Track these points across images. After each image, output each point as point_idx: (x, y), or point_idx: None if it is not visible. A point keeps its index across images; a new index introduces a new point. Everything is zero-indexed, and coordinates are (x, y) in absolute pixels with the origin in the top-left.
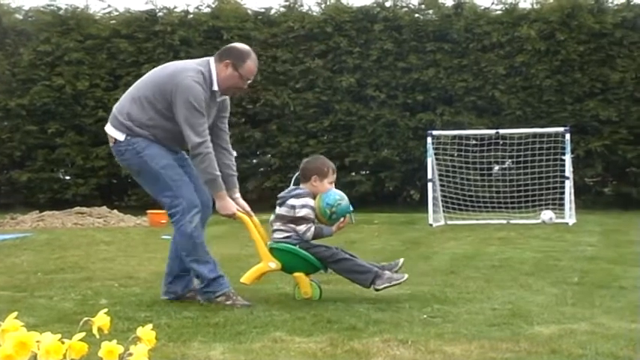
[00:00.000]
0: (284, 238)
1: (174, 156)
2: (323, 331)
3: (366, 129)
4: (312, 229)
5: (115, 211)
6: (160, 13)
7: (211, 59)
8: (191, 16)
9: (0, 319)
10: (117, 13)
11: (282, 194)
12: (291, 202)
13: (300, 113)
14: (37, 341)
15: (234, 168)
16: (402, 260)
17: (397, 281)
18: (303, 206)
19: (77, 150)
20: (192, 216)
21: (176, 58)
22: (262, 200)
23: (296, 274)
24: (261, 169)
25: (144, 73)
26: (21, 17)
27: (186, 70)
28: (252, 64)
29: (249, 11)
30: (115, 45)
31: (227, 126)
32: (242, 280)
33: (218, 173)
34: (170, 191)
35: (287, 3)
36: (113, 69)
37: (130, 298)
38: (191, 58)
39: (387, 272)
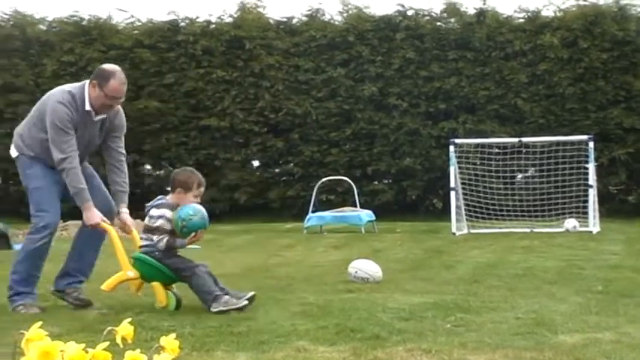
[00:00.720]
0: (144, 247)
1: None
2: (346, 340)
3: (388, 137)
4: (165, 240)
5: (138, 220)
6: (183, 23)
7: (87, 81)
8: (213, 25)
9: (24, 328)
10: (139, 24)
11: (148, 203)
12: (151, 212)
13: (322, 122)
14: (62, 350)
15: (124, 185)
16: (251, 294)
17: (233, 306)
18: (159, 217)
19: (100, 160)
20: (40, 237)
21: (198, 67)
22: (284, 209)
23: (153, 283)
24: (284, 178)
25: (167, 83)
26: (45, 28)
27: (55, 93)
28: (115, 83)
29: (271, 20)
30: (137, 55)
31: (121, 144)
32: (102, 287)
33: (82, 186)
34: (35, 209)
35: (309, 12)
36: (136, 79)
37: (153, 308)
38: (213, 67)
39: (225, 297)
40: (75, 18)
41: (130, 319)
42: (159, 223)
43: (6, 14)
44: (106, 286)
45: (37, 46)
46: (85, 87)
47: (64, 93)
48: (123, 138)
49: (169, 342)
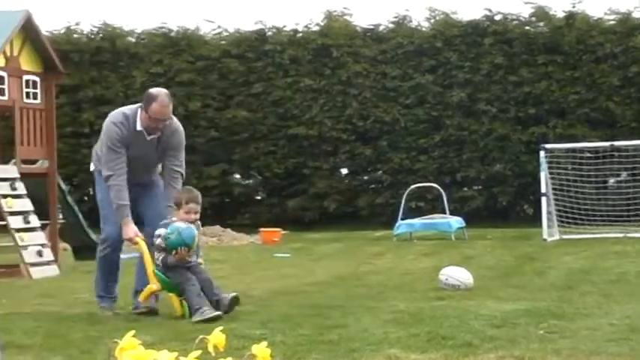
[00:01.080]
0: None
1: (134, 187)
2: (438, 347)
3: (477, 144)
4: (161, 257)
5: (228, 229)
6: (270, 33)
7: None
8: (300, 34)
9: (118, 337)
10: (227, 34)
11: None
12: (158, 230)
13: (410, 129)
14: (154, 359)
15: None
16: (233, 295)
17: (208, 316)
18: (158, 236)
19: (190, 169)
20: (102, 248)
21: (286, 76)
22: (373, 216)
23: (169, 294)
24: (372, 185)
25: (254, 93)
26: (134, 40)
27: (112, 114)
28: (157, 106)
29: (358, 28)
30: (225, 65)
31: (177, 162)
32: (139, 298)
33: (122, 203)
34: (101, 222)
35: (396, 19)
36: (224, 89)
37: (244, 316)
38: (301, 76)
39: (203, 308)
40: (163, 29)
41: (221, 328)
42: (157, 241)
43: (95, 27)
44: (141, 298)
45: (126, 58)
46: (138, 109)
47: (119, 114)
48: (180, 156)
49: (261, 350)
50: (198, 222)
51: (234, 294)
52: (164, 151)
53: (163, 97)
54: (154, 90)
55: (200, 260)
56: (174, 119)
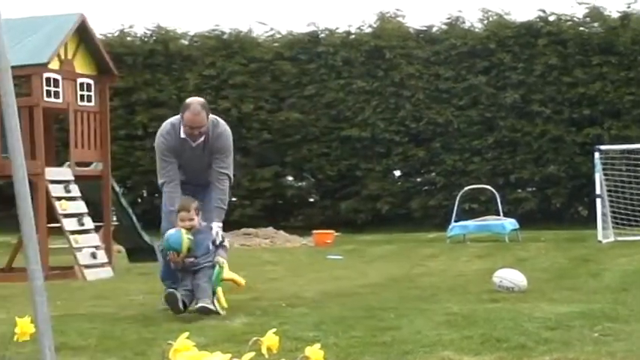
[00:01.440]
0: None
1: (195, 188)
2: (492, 350)
3: (531, 145)
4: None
5: (281, 231)
6: (322, 35)
7: None
8: (353, 36)
9: (172, 338)
10: (279, 36)
11: None
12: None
13: (463, 130)
14: None
15: (220, 202)
16: (203, 305)
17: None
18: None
19: (243, 172)
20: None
21: (339, 78)
22: (426, 218)
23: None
24: (425, 187)
25: (307, 95)
26: (187, 43)
27: (163, 125)
28: (189, 115)
29: (411, 29)
30: (278, 67)
31: (222, 164)
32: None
33: (171, 209)
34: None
35: (449, 20)
36: (277, 91)
37: (297, 318)
38: (354, 78)
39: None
40: (216, 32)
41: (274, 330)
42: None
43: (149, 30)
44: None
45: (179, 60)
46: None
47: (167, 124)
48: (225, 158)
49: (314, 352)
50: (202, 225)
51: (205, 305)
52: (211, 155)
53: (195, 106)
54: (189, 99)
55: (219, 259)
56: (221, 123)
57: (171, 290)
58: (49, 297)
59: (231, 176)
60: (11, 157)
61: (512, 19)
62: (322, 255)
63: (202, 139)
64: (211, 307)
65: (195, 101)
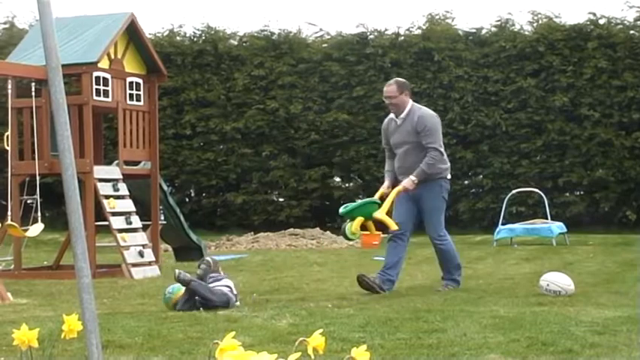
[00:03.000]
0: None
1: None
2: (538, 353)
3: (580, 148)
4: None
5: (328, 232)
6: (371, 36)
7: None
8: (402, 38)
9: (219, 338)
10: (328, 37)
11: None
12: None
13: (511, 133)
14: None
15: (423, 165)
16: None
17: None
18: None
19: (290, 172)
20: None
21: (387, 79)
22: (474, 221)
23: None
24: (473, 190)
25: (355, 96)
26: (235, 43)
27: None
28: (384, 87)
29: (460, 32)
30: (326, 68)
31: (425, 140)
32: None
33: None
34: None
35: (498, 22)
36: (325, 92)
37: (343, 319)
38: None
39: None
40: (265, 32)
41: (321, 330)
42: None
43: (198, 30)
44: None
45: (228, 60)
46: None
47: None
48: (426, 137)
49: (360, 353)
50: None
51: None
52: (417, 134)
53: (390, 80)
54: None
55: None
56: (423, 109)
57: None
58: (96, 295)
59: (435, 151)
60: (60, 155)
61: (562, 22)
62: (369, 256)
63: (401, 117)
64: None
65: (395, 78)
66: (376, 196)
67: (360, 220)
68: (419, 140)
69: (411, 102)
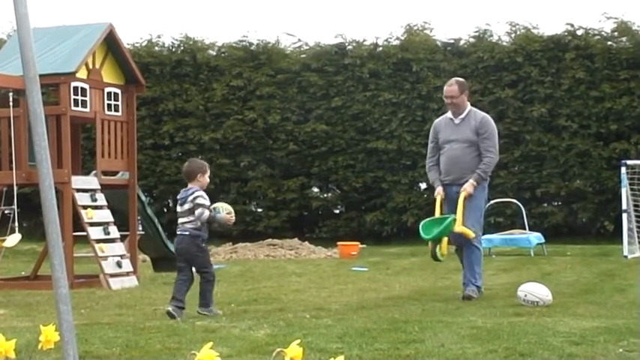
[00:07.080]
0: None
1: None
2: None
3: (557, 159)
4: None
5: (306, 242)
6: (350, 46)
7: None
8: (380, 48)
9: (196, 348)
10: (307, 47)
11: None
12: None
13: None
14: None
15: (480, 168)
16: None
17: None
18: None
19: (269, 182)
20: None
21: (366, 90)
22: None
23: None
24: None
25: (334, 107)
26: (214, 53)
27: None
28: (445, 87)
29: (438, 42)
30: (305, 78)
31: (483, 144)
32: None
33: (431, 180)
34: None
35: (476, 33)
36: (303, 102)
37: (321, 330)
38: (380, 90)
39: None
40: (244, 43)
41: (298, 341)
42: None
43: (176, 40)
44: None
45: (206, 71)
46: None
47: None
48: (486, 141)
49: None
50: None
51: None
52: (477, 135)
53: (451, 80)
54: None
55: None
56: (484, 114)
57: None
58: (73, 305)
59: (492, 156)
60: (38, 165)
61: (540, 33)
62: (347, 267)
63: (460, 116)
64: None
65: (455, 78)
66: (437, 204)
67: (446, 240)
68: (476, 141)
69: (468, 103)
